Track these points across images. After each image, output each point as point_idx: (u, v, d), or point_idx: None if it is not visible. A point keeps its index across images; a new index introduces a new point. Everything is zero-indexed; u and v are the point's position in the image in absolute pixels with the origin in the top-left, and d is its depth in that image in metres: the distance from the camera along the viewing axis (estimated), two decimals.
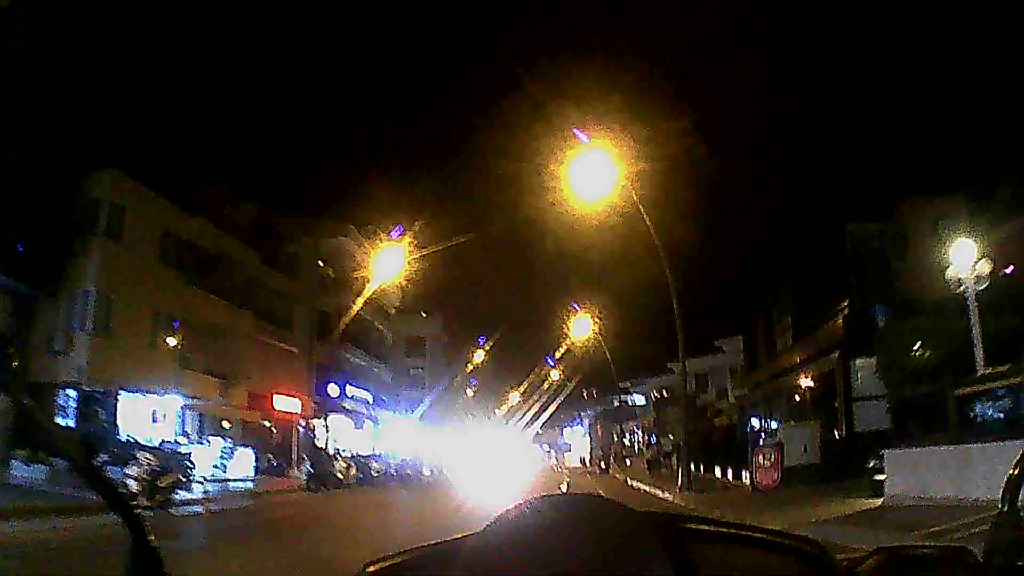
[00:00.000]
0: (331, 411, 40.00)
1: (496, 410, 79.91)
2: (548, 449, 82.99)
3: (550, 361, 61.18)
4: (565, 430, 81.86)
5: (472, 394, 75.68)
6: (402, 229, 32.43)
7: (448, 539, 0.96)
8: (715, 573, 0.90)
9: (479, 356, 63.32)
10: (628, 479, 35.91)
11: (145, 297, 27.51)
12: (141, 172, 26.90)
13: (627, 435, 61.14)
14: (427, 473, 44.57)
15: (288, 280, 38.68)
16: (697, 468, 38.27)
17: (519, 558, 0.86)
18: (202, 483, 21.96)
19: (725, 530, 0.97)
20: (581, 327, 47.47)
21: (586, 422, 70.80)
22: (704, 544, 0.93)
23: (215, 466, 28.61)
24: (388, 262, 32.69)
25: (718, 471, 36.06)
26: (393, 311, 61.68)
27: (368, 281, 51.56)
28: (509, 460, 59.99)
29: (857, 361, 21.57)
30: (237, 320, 33.33)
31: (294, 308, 38.76)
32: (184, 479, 19.47)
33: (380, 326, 56.21)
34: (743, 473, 24.09)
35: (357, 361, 49.90)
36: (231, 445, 30.87)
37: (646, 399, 66.55)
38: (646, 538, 0.87)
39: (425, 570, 0.95)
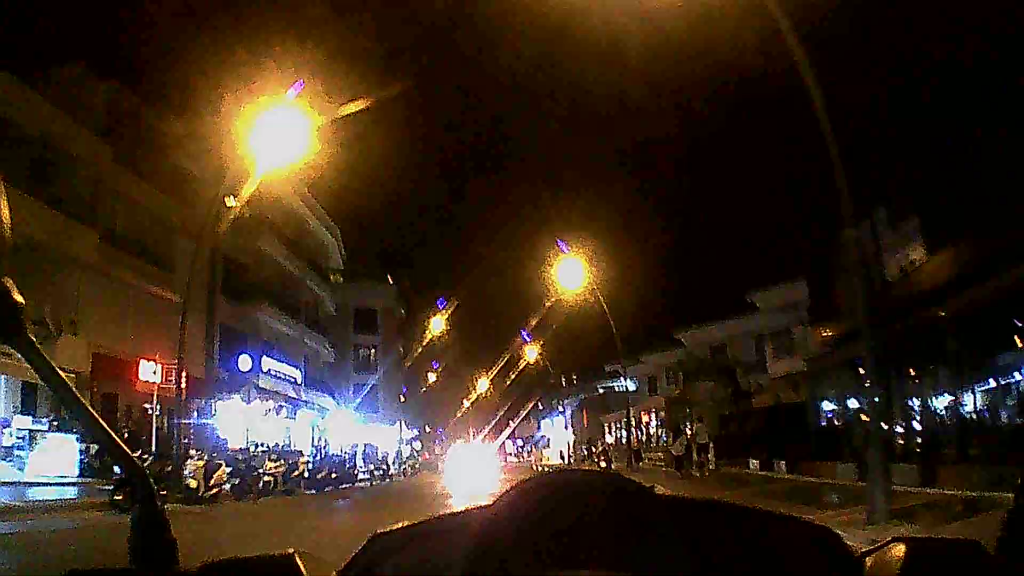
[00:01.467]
0: (235, 391, 28.81)
1: (464, 400, 69.15)
2: (523, 445, 72.40)
3: (525, 336, 50.67)
4: (543, 422, 71.27)
5: (435, 379, 64.68)
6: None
7: (458, 511, 0.96)
8: (727, 554, 0.89)
9: (438, 324, 52.27)
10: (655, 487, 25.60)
11: None
12: None
13: (621, 426, 50.79)
14: (374, 475, 34.13)
15: (166, 197, 27.30)
16: (736, 461, 28.16)
17: (528, 532, 0.86)
18: None
19: (737, 513, 0.97)
20: (562, 297, 37.34)
21: (567, 411, 60.34)
22: (716, 526, 0.92)
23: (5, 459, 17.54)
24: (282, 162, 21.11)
25: (753, 464, 26.19)
26: (335, 277, 50.52)
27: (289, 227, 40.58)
28: (477, 457, 49.35)
29: None
30: (71, 240, 22.07)
31: (175, 241, 27.40)
32: None
33: (317, 288, 44.98)
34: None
35: (282, 329, 38.65)
36: (44, 427, 19.70)
37: (636, 384, 56.34)
38: (658, 516, 0.87)
39: (432, 540, 0.94)
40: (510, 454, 71.70)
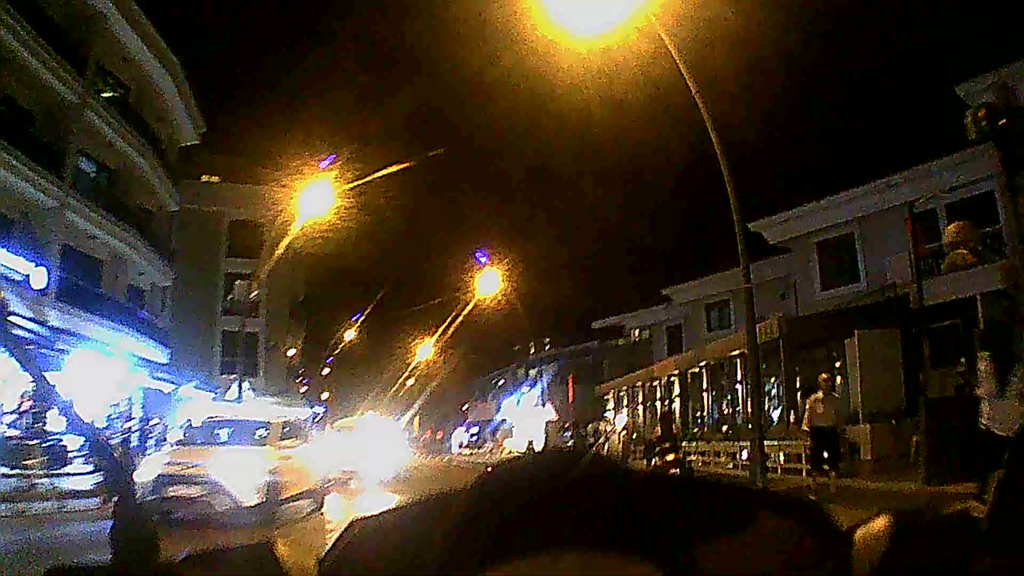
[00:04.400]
0: None
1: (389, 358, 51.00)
2: (477, 433, 54.43)
3: (481, 259, 32.96)
4: (504, 402, 53.22)
5: (354, 337, 45.95)
6: None
7: (440, 493, 0.94)
8: (704, 530, 0.88)
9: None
10: None
11: None
12: None
13: (640, 397, 32.97)
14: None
15: None
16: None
17: (510, 512, 0.86)
18: None
19: (714, 487, 0.96)
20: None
21: (543, 382, 42.46)
22: (698, 504, 0.92)
23: None
24: None
25: None
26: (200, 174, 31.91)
27: None
28: (388, 453, 30.67)
29: None
30: None
31: None
32: None
33: (148, 170, 26.19)
34: None
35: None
36: None
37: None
38: (637, 495, 0.88)
39: (414, 522, 0.93)
40: (463, 445, 53.71)
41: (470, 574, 0.84)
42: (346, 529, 0.95)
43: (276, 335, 36.57)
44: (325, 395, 61.57)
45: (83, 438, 1.04)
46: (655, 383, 29.51)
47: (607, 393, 35.04)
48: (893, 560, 0.82)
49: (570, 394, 34.95)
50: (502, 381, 58.19)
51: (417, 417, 72.73)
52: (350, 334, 44.26)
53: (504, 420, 50.05)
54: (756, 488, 1.02)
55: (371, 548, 0.94)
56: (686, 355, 27.91)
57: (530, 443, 38.18)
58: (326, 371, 57.58)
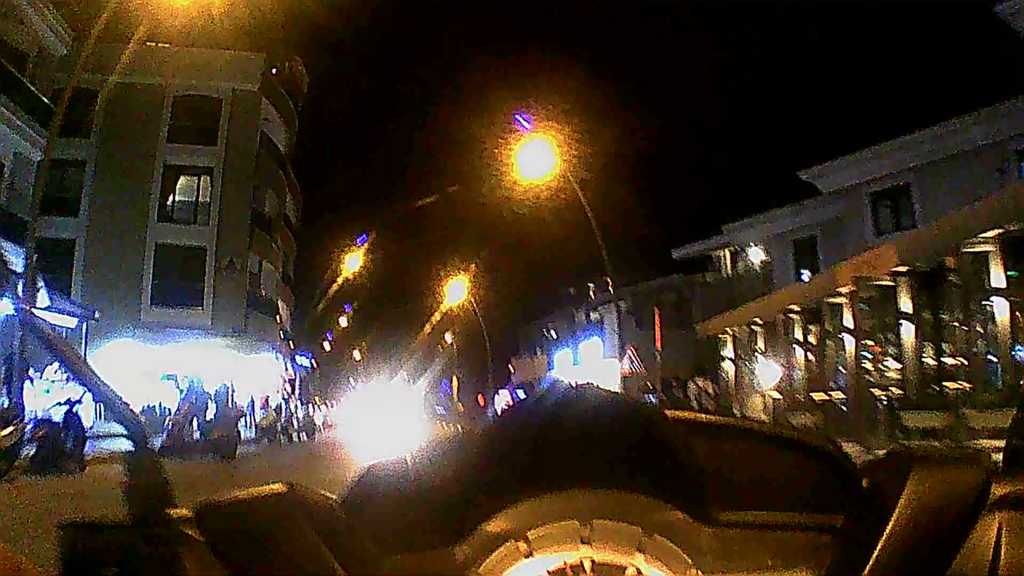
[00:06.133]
0: None
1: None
2: (523, 396, 43.81)
3: (523, 122, 22.22)
4: (555, 356, 42.53)
5: (362, 264, 35.40)
6: None
7: (456, 435, 0.98)
8: (724, 467, 0.89)
9: None
10: None
11: None
12: None
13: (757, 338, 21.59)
14: None
15: None
16: None
17: (528, 450, 0.89)
18: None
19: (742, 431, 0.97)
20: None
21: (609, 329, 31.72)
22: (722, 445, 0.92)
23: None
24: None
25: None
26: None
27: None
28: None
29: None
30: None
31: None
32: None
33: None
34: None
35: None
36: None
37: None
38: (664, 435, 0.87)
39: (429, 464, 0.94)
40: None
41: (485, 513, 0.87)
42: (366, 471, 0.96)
43: (234, 251, 26.50)
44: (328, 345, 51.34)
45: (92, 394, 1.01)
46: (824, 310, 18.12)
47: (717, 336, 24.00)
48: (909, 493, 0.83)
49: (657, 339, 23.99)
50: (553, 332, 47.42)
51: (455, 379, 62.82)
52: (354, 263, 33.78)
53: (555, 381, 39.28)
54: (779, 430, 1.02)
55: (391, 488, 0.94)
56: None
57: None
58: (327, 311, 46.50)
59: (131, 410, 0.99)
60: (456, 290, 40.68)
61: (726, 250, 33.45)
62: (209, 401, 15.94)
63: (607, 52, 71.56)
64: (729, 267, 33.49)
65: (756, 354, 21.01)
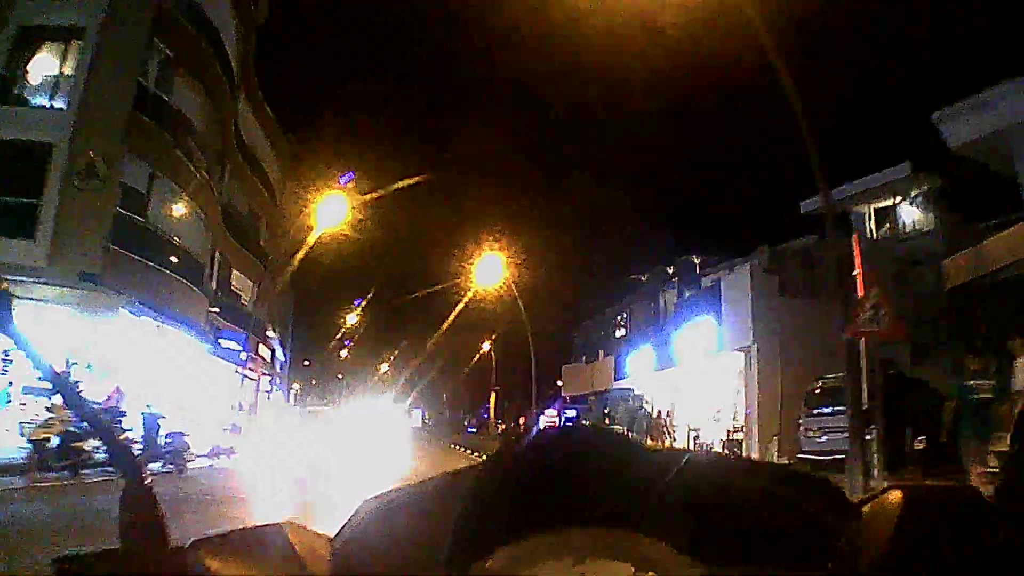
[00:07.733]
0: None
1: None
2: (574, 416, 33.03)
3: None
4: (627, 358, 30.65)
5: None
6: None
7: (452, 472, 0.95)
8: (716, 503, 0.90)
9: None
10: None
11: None
12: None
13: None
14: None
15: None
16: None
17: (523, 490, 0.87)
18: None
19: (728, 462, 0.98)
20: None
21: (743, 286, 20.21)
22: (716, 481, 0.92)
23: None
24: None
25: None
26: None
27: None
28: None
29: None
30: None
31: None
32: None
33: None
34: None
35: None
36: None
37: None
38: (657, 471, 0.87)
39: (425, 501, 0.93)
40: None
41: (481, 552, 0.84)
42: (358, 509, 0.93)
43: (100, 151, 16.11)
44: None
45: (86, 421, 1.03)
46: None
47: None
48: (904, 532, 0.82)
49: (860, 288, 12.24)
50: (623, 327, 35.54)
51: (493, 395, 51.83)
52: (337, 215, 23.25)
53: (630, 392, 27.57)
54: (775, 465, 1.03)
55: (383, 527, 0.92)
56: None
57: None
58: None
59: (123, 441, 0.95)
60: (487, 271, 30.12)
61: (869, 205, 22.24)
62: None
63: None
64: (869, 221, 22.12)
65: None
